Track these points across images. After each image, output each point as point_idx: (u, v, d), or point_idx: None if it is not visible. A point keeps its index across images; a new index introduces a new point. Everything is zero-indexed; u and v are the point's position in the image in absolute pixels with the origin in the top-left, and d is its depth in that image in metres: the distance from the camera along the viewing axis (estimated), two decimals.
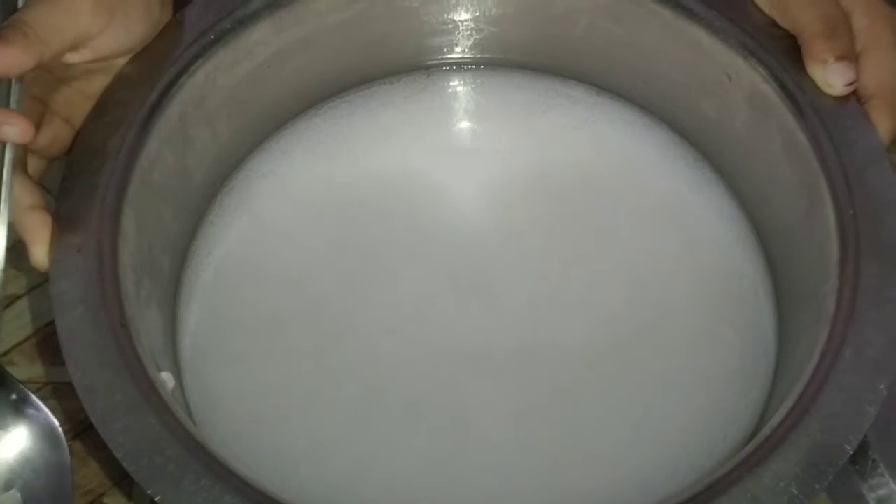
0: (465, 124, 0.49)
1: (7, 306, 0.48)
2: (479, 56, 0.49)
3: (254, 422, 0.42)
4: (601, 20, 0.46)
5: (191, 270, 0.45)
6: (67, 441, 0.43)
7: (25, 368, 0.47)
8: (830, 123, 0.40)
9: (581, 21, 0.46)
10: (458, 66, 0.49)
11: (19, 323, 0.48)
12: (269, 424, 0.41)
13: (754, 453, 0.34)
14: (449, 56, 0.49)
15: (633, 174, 0.47)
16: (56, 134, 0.40)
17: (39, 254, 0.37)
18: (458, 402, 0.42)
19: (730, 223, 0.46)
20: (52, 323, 0.44)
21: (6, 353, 0.47)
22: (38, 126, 0.38)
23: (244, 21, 0.43)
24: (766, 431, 0.34)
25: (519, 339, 0.43)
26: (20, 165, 0.37)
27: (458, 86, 0.50)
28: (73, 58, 0.39)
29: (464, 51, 0.49)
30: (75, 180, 0.39)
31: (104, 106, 0.40)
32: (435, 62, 0.49)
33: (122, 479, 0.44)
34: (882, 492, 0.40)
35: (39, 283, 0.48)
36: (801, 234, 0.41)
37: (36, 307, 0.48)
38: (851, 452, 0.33)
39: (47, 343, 0.47)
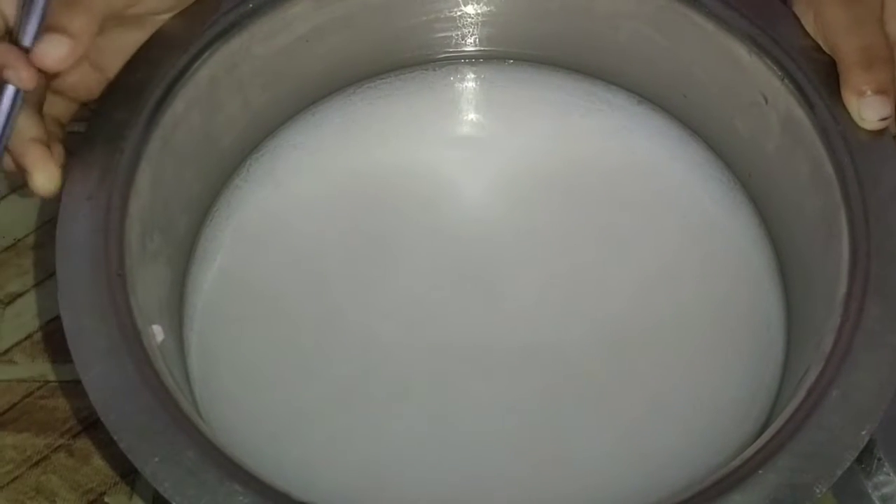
0: (493, 119, 0.49)
1: (8, 304, 0.48)
2: (521, 52, 0.49)
3: (244, 385, 0.42)
4: (644, 27, 0.45)
5: (209, 230, 0.45)
6: (69, 439, 0.45)
7: (26, 366, 0.47)
8: (859, 157, 0.38)
9: (624, 26, 0.45)
10: (500, 59, 0.49)
11: (20, 321, 0.48)
12: (257, 390, 0.42)
13: (719, 482, 0.33)
14: (486, 49, 0.49)
15: (658, 185, 0.46)
16: (82, 78, 0.40)
17: (39, 179, 0.38)
18: (445, 393, 0.42)
19: (753, 247, 0.45)
20: (55, 319, 0.46)
21: (6, 351, 0.47)
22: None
23: None
24: (736, 463, 0.33)
25: (517, 337, 0.43)
26: (32, 102, 0.38)
27: (494, 79, 0.49)
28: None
29: (502, 45, 0.48)
30: (98, 130, 0.40)
31: (136, 63, 0.41)
32: (474, 53, 0.49)
33: (126, 476, 0.44)
34: (886, 490, 0.39)
35: (42, 279, 0.49)
36: (817, 266, 0.40)
37: (39, 304, 0.48)
38: (820, 495, 0.32)
39: (50, 340, 0.47)
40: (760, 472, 0.33)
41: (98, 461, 0.44)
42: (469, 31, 0.48)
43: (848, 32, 0.39)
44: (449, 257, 0.45)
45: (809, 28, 0.41)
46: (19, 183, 0.49)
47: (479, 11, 0.47)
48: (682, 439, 0.40)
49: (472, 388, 0.42)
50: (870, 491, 0.40)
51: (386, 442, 0.41)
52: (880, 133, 0.39)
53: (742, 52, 0.42)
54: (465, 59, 0.49)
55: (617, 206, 0.46)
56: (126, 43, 0.41)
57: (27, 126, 0.38)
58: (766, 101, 0.42)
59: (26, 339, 0.47)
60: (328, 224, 0.46)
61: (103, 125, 0.40)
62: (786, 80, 0.41)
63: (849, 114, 0.39)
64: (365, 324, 0.43)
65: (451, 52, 0.49)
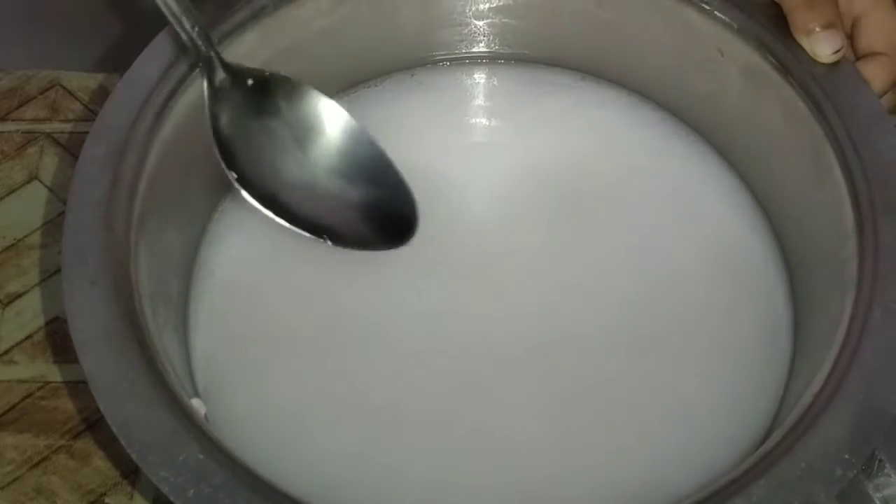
0: (453, 121, 0.49)
1: (8, 304, 0.48)
2: (464, 52, 0.49)
3: (278, 443, 0.41)
4: (587, 6, 0.46)
5: (196, 292, 0.43)
6: (69, 439, 0.45)
7: (26, 367, 0.47)
8: (830, 90, 0.40)
9: (566, 9, 0.46)
10: (443, 63, 0.49)
11: (20, 321, 0.48)
12: (295, 444, 0.41)
13: (800, 421, 0.34)
14: (434, 54, 0.49)
15: (628, 158, 0.47)
16: None
17: None
18: (483, 403, 0.41)
19: (729, 196, 0.46)
20: (55, 320, 0.47)
21: (7, 351, 0.47)
22: None
23: (231, 34, 0.42)
24: (807, 399, 0.34)
25: (537, 334, 0.43)
26: None
27: (442, 83, 0.49)
28: None
29: (449, 48, 0.49)
30: (80, 212, 0.37)
31: (101, 131, 0.39)
32: (420, 61, 0.49)
33: (127, 476, 0.44)
34: (888, 491, 0.40)
35: (42, 280, 0.49)
36: (809, 201, 0.42)
37: (39, 304, 0.48)
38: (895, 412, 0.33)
39: (50, 340, 0.47)
40: (836, 401, 0.34)
41: (99, 462, 0.44)
42: (414, 43, 0.48)
43: None
44: (448, 266, 0.44)
45: None
46: (17, 183, 0.50)
47: (422, 18, 0.47)
48: (696, 435, 0.40)
49: (508, 393, 0.41)
50: (871, 492, 0.40)
51: (438, 461, 0.40)
52: (837, 64, 0.41)
53: (691, 14, 0.43)
54: (406, 70, 0.49)
55: (593, 183, 0.46)
56: None
57: None
58: (723, 55, 0.44)
59: (26, 339, 0.47)
60: (315, 257, 0.44)
61: (83, 204, 0.37)
62: (740, 32, 0.42)
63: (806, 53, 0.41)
64: (382, 347, 0.42)
65: (396, 63, 0.48)
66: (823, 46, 0.40)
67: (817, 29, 0.40)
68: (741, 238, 0.45)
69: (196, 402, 0.36)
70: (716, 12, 0.43)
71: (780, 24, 0.42)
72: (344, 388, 0.42)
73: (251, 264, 0.44)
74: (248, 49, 0.43)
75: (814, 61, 0.41)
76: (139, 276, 0.37)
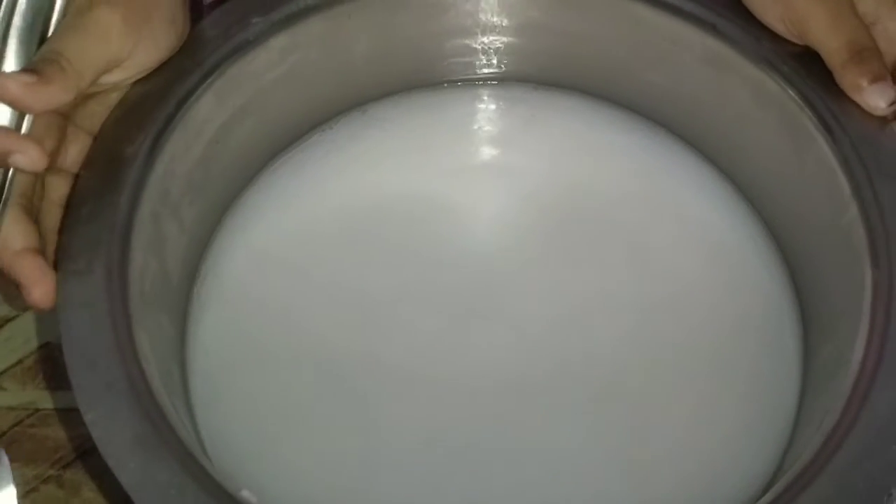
0: (449, 145, 0.48)
1: None
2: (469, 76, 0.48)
3: (274, 471, 0.40)
4: (586, 28, 0.45)
5: (194, 373, 0.42)
6: (59, 469, 0.44)
7: (16, 394, 0.46)
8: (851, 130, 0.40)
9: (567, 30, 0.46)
10: (445, 85, 0.48)
11: (10, 346, 0.47)
12: (292, 476, 0.40)
13: (819, 454, 0.34)
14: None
15: (629, 180, 0.46)
16: (83, 148, 0.39)
17: (39, 294, 0.36)
18: (485, 431, 0.41)
19: (735, 218, 0.45)
20: (46, 346, 0.46)
21: None
22: (61, 142, 0.38)
23: (186, 100, 0.41)
24: (819, 438, 0.34)
25: (545, 365, 0.42)
26: (20, 203, 0.36)
27: (446, 106, 0.48)
28: (107, 79, 0.38)
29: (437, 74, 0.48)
30: (75, 311, 0.35)
31: (76, 226, 0.37)
32: (370, 98, 0.48)
33: None
34: None
35: None
36: (822, 237, 0.41)
37: (30, 329, 0.47)
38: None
39: (42, 366, 0.46)
40: (848, 441, 0.34)
41: (89, 493, 0.44)
42: (360, 82, 0.47)
43: (830, 29, 0.39)
44: (448, 296, 0.43)
45: (775, 24, 0.41)
46: None
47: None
48: (705, 465, 0.40)
49: (519, 424, 0.41)
50: None
51: (454, 497, 0.40)
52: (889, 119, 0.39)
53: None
54: (358, 110, 0.48)
55: (604, 212, 0.45)
56: (113, 102, 0.40)
57: (15, 233, 0.36)
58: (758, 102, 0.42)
59: (17, 364, 0.46)
60: (315, 298, 0.43)
61: (79, 305, 0.36)
62: (773, 75, 0.41)
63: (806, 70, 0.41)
64: (391, 382, 0.42)
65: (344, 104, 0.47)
66: (877, 100, 0.39)
67: (866, 84, 0.39)
68: (747, 260, 0.44)
69: (246, 494, 0.35)
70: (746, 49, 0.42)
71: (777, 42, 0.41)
72: (352, 427, 0.41)
73: (241, 337, 0.43)
74: (207, 113, 0.42)
75: (844, 108, 0.40)
76: (152, 374, 0.35)
